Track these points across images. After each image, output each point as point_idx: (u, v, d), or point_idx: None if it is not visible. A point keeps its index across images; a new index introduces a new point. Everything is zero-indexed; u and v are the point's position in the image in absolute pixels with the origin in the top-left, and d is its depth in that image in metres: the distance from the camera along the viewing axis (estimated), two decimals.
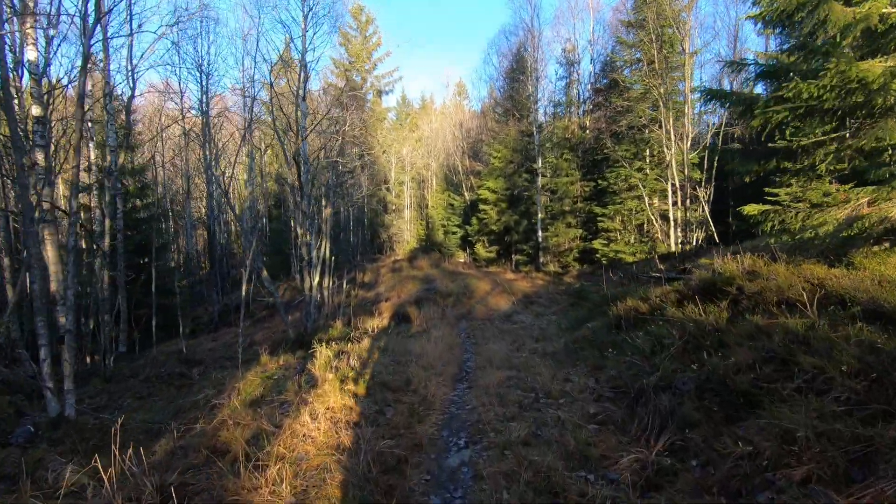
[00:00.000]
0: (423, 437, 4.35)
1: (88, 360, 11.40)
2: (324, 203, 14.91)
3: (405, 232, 42.41)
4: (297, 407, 4.85)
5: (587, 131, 25.01)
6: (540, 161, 24.58)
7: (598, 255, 21.19)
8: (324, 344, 7.16)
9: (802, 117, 5.66)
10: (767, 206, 7.43)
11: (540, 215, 24.46)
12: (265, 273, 13.28)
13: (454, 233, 33.05)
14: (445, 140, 39.87)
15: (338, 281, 16.53)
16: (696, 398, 4.05)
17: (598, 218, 21.69)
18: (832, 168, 6.34)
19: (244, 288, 10.36)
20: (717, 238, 14.83)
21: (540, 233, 24.41)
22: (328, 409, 4.75)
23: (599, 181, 22.36)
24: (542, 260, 24.41)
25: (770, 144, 6.71)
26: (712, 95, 7.15)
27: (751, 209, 7.58)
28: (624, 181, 20.38)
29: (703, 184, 16.86)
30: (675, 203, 17.32)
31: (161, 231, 18.53)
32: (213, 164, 16.45)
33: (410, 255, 30.23)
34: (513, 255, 26.51)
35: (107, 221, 11.19)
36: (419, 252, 33.09)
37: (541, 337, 10.14)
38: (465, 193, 33.96)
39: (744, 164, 7.40)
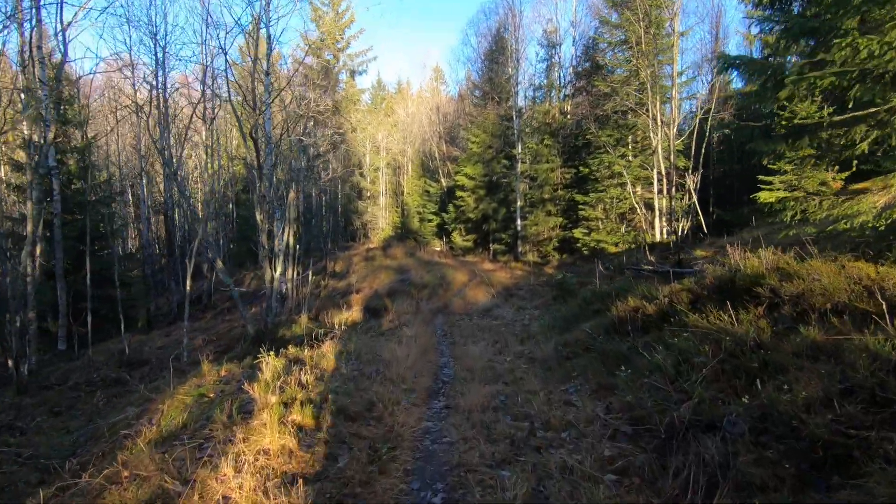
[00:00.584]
0: (387, 496, 3.19)
1: (10, 364, 9.84)
2: (291, 186, 13.49)
3: (380, 219, 41.08)
4: (221, 448, 3.64)
5: (568, 116, 23.98)
6: (520, 147, 23.48)
7: (578, 245, 20.33)
8: (272, 353, 5.91)
9: (852, 84, 4.63)
10: (787, 193, 6.46)
11: (519, 203, 23.44)
12: (220, 263, 11.87)
13: (430, 220, 31.82)
14: (422, 125, 38.41)
15: (303, 271, 15.18)
16: (752, 445, 2.99)
17: (580, 206, 20.79)
18: (877, 147, 5.36)
19: (188, 284, 8.98)
20: (705, 228, 14.03)
21: (519, 221, 23.41)
22: (261, 452, 3.55)
23: (581, 168, 21.42)
24: (520, 249, 23.45)
25: (797, 121, 5.69)
26: (729, 63, 6.10)
27: (767, 196, 6.61)
28: (607, 168, 19.46)
29: (689, 171, 16.04)
30: (660, 191, 16.47)
31: (111, 216, 16.76)
32: (167, 143, 14.78)
33: (384, 244, 28.91)
34: (490, 245, 25.48)
35: (29, 204, 9.59)
36: (394, 240, 31.77)
37: (525, 336, 9.10)
38: (442, 180, 32.69)
39: (767, 143, 6.38)
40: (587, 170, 20.90)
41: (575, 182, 22.68)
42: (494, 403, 4.87)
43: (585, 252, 19.47)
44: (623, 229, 19.18)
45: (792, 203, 6.26)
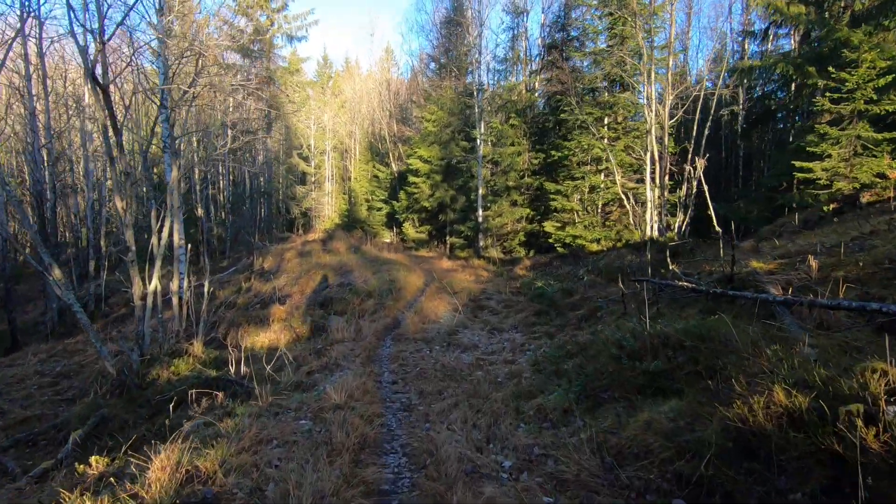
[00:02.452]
0: None
1: None
2: (175, 162, 9.32)
3: (325, 207, 37.09)
4: None
5: (536, 94, 20.74)
6: (482, 126, 20.03)
7: (550, 240, 17.22)
8: None
9: None
10: None
11: (480, 191, 20.07)
12: (57, 273, 7.71)
13: (379, 209, 27.96)
14: (371, 104, 34.21)
15: (195, 280, 11.09)
16: None
17: (551, 196, 17.65)
18: None
19: None
20: (716, 225, 11.12)
21: (480, 211, 20.06)
22: None
23: (552, 152, 18.26)
24: (482, 244, 20.13)
25: None
26: None
27: None
28: (584, 152, 16.37)
29: (690, 155, 13.15)
30: (652, 179, 13.53)
31: None
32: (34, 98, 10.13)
33: (326, 236, 24.80)
34: (448, 237, 22.02)
35: None
36: (339, 231, 27.66)
37: (520, 394, 5.68)
38: (393, 164, 28.82)
39: None
40: (559, 154, 17.77)
41: (544, 168, 19.56)
42: None
43: (560, 249, 16.39)
44: (600, 223, 16.18)
45: None
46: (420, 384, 6.58)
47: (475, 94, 20.62)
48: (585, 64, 18.85)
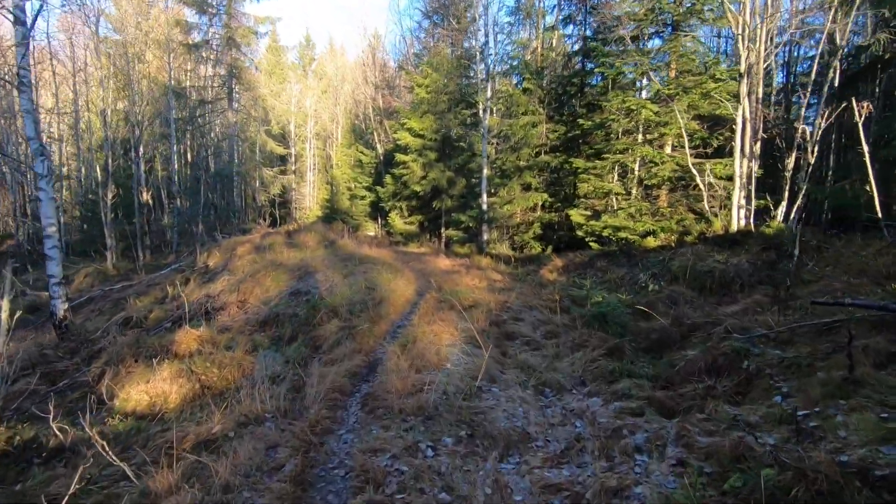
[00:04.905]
0: None
1: None
2: None
3: (307, 198, 32.80)
4: None
5: (555, 53, 16.34)
6: (489, 90, 15.58)
7: (579, 233, 12.84)
8: None
9: None
10: None
11: (485, 172, 15.65)
12: None
13: (362, 198, 23.38)
14: (355, 80, 29.66)
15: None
16: None
17: (580, 176, 13.27)
18: None
19: None
20: (878, 209, 6.79)
21: (485, 197, 15.64)
22: None
23: (580, 121, 13.86)
24: (486, 237, 15.73)
25: None
26: None
27: None
28: (628, 116, 12.00)
29: (803, 109, 8.83)
30: (741, 148, 9.19)
31: None
32: None
33: (295, 228, 20.15)
34: (443, 230, 17.58)
35: None
36: (318, 223, 23.01)
37: None
38: (378, 146, 24.25)
39: None
40: (589, 123, 13.40)
41: (565, 143, 15.22)
42: None
43: (594, 245, 12.07)
44: (649, 210, 11.82)
45: None
46: None
47: (479, 52, 16.17)
48: (616, 13, 14.49)
